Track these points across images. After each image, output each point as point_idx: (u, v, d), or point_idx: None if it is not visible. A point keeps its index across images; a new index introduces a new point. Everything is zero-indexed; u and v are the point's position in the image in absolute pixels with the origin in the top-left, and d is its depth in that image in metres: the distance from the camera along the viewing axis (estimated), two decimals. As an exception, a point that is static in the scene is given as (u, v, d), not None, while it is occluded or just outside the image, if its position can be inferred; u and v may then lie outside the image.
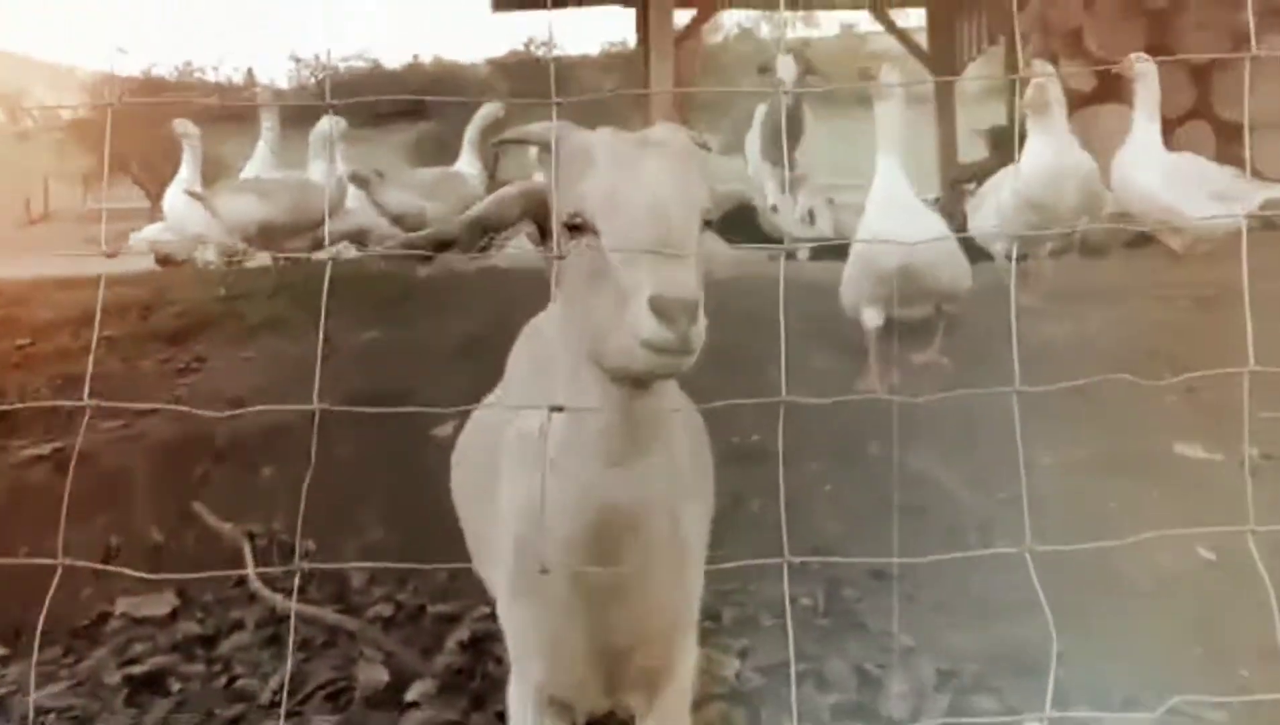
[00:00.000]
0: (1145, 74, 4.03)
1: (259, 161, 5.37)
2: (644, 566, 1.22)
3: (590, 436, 1.12)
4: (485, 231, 1.19)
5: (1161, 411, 3.01)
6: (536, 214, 1.18)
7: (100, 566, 1.17)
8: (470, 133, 5.34)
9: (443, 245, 1.19)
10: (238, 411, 1.26)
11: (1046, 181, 3.85)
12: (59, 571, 0.97)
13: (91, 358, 1.48)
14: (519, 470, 1.27)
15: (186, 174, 5.14)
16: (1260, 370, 0.87)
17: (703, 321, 1.02)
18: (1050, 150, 3.87)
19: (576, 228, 1.10)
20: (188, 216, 4.95)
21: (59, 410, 3.47)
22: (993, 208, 4.03)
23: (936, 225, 3.27)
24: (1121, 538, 2.56)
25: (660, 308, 0.99)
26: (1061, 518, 2.63)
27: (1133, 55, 4.12)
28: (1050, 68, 4.15)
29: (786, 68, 5.62)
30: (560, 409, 0.98)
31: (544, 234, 1.18)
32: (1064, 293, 3.84)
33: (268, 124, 5.40)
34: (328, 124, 4.82)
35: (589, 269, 1.08)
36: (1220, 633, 2.15)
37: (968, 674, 2.05)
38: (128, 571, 1.19)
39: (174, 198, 5.12)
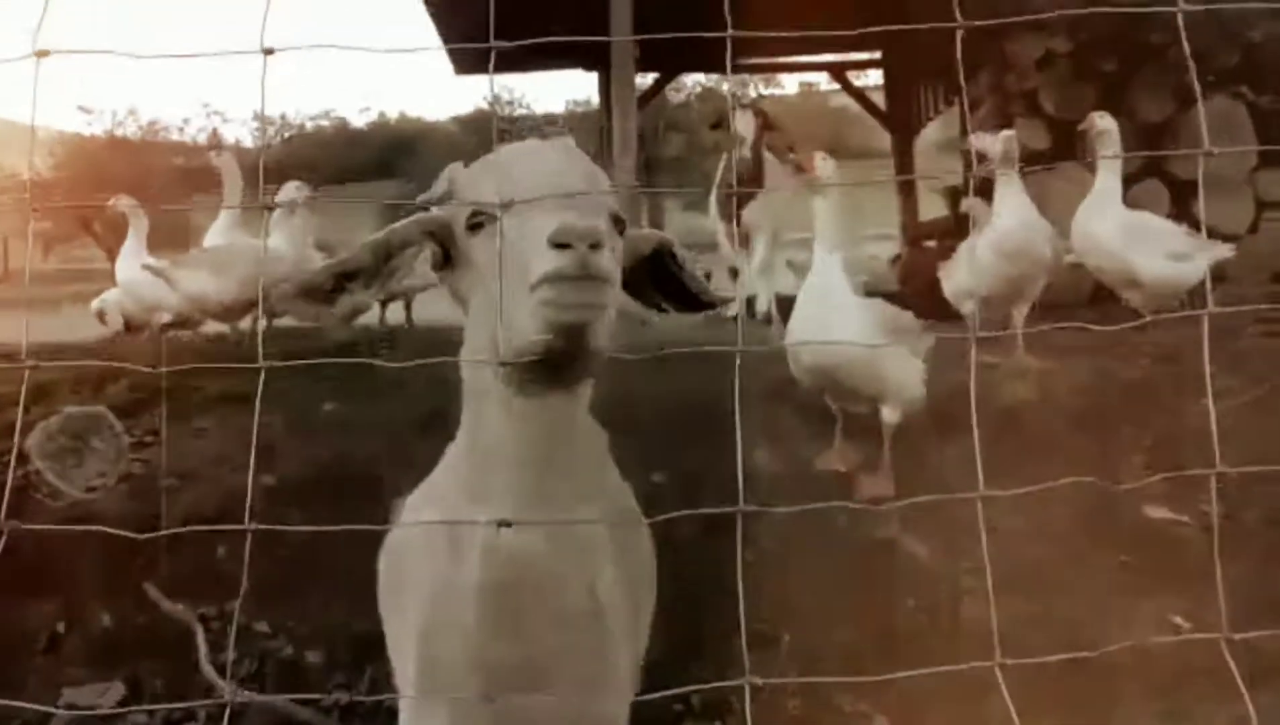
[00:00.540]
0: (1106, 131, 4.11)
1: (221, 227, 5.30)
2: (558, 647, 1.13)
3: (501, 479, 1.07)
4: (389, 257, 1.17)
5: (1130, 474, 3.01)
6: (439, 235, 1.16)
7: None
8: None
9: (346, 277, 1.16)
10: (163, 532, 1.20)
11: (1022, 233, 3.92)
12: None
13: (13, 460, 1.42)
14: (425, 555, 1.20)
15: (133, 246, 5.06)
16: (1226, 471, 0.85)
17: (609, 256, 0.98)
18: (1022, 203, 3.95)
19: (477, 226, 1.10)
20: (142, 287, 4.88)
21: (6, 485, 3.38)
22: (966, 269, 4.07)
23: (858, 330, 2.91)
24: (1090, 601, 2.54)
25: (557, 237, 0.95)
26: (1030, 585, 2.61)
27: (1094, 114, 4.20)
28: (1006, 134, 4.19)
29: (746, 123, 5.64)
30: (508, 524, 0.94)
31: (446, 258, 1.17)
32: (1030, 351, 3.86)
33: (230, 187, 5.34)
34: (287, 192, 4.78)
35: (489, 259, 1.04)
36: (1194, 704, 2.12)
37: (942, 755, 2.00)
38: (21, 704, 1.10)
39: (126, 269, 5.03)
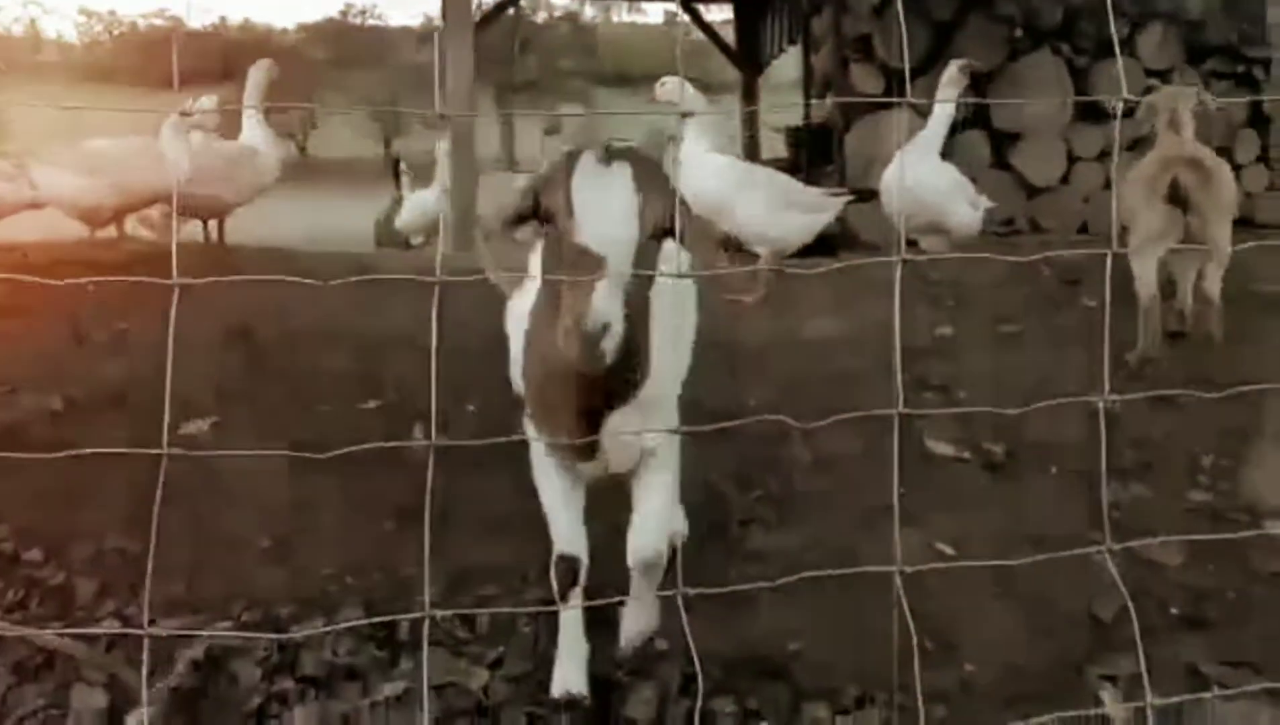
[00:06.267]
0: (953, 80, 4.42)
1: None
2: None
3: None
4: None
5: (915, 407, 3.15)
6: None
7: None
8: (250, 99, 4.92)
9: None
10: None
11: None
12: None
13: None
14: None
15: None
16: (909, 412, 0.89)
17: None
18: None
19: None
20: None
21: None
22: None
23: None
24: (875, 530, 2.65)
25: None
26: (819, 509, 2.71)
27: (954, 62, 4.49)
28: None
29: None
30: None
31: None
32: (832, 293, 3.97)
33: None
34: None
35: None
36: (951, 624, 2.25)
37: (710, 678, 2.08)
38: None
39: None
